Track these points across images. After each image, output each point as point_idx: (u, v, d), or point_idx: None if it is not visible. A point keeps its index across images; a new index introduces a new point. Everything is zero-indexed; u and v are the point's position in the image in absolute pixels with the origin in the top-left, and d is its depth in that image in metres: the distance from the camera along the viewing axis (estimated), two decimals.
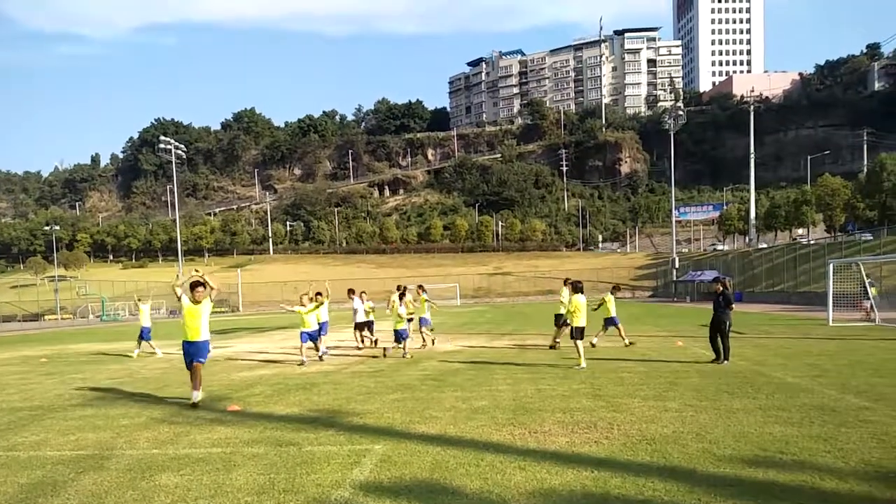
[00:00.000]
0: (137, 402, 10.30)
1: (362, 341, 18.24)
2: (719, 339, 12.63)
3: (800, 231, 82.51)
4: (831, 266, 24.17)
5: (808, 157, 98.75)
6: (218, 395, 10.48)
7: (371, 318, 18.73)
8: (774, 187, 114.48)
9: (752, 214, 77.26)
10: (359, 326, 18.21)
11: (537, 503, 4.82)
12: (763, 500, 4.72)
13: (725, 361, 12.39)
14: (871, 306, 24.24)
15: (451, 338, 22.26)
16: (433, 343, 18.43)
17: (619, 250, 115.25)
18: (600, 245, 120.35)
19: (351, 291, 19.00)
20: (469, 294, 78.14)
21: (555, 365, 13.20)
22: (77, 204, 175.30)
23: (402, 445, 6.68)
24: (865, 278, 25.62)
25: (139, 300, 20.36)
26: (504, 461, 5.94)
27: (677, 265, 65.43)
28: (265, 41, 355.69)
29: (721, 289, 12.99)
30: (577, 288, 13.23)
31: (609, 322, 17.01)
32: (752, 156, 74.87)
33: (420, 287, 18.16)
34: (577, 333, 12.90)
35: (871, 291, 25.07)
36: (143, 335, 18.75)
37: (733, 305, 13.01)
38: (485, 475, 5.53)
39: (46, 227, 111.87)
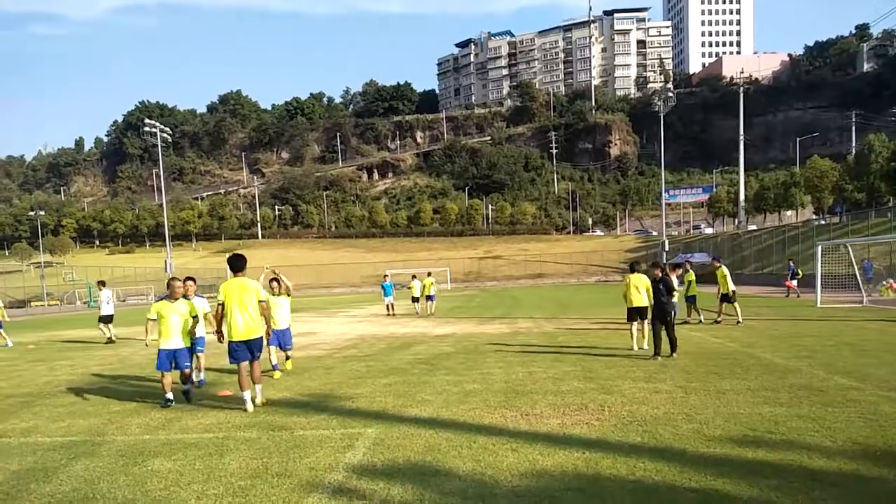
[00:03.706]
0: (128, 387, 10.27)
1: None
2: (664, 331, 11.15)
3: (788, 213, 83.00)
4: (819, 248, 24.38)
5: (797, 139, 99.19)
6: (210, 380, 10.45)
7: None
8: (763, 169, 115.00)
9: (742, 196, 77.53)
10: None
11: (529, 484, 4.85)
12: (752, 479, 4.77)
13: (673, 354, 11.11)
14: (795, 285, 29.37)
15: (442, 322, 22.34)
16: None
17: (611, 232, 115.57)
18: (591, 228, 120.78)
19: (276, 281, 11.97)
20: (459, 278, 78.24)
21: (546, 347, 13.26)
22: (62, 189, 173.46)
23: (395, 428, 6.70)
24: (790, 262, 31.32)
25: None
26: (496, 443, 5.98)
27: (667, 248, 65.69)
28: (251, 22, 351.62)
29: (660, 274, 11.58)
30: (633, 268, 12.18)
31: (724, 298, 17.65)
32: (742, 137, 74.95)
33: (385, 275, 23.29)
34: (638, 314, 11.89)
35: (798, 272, 30.12)
36: None
37: (675, 292, 11.69)
38: (477, 457, 5.57)
39: (31, 213, 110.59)
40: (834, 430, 6.03)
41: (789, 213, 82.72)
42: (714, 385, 8.48)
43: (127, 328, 24.45)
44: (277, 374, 10.54)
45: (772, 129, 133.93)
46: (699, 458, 5.35)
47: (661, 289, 11.24)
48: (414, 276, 27.39)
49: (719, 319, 17.37)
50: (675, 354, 11.07)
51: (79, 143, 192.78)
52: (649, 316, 11.63)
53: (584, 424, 6.60)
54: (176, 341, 8.56)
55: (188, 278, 10.06)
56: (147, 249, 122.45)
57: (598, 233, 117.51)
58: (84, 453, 6.22)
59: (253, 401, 8.01)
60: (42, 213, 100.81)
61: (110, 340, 18.84)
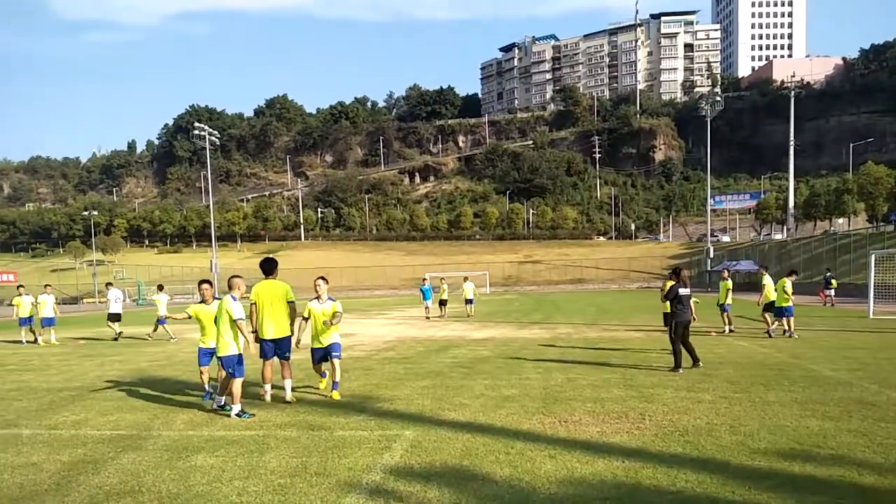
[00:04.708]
0: (174, 384, 10.53)
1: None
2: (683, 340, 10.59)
3: (839, 221, 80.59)
4: (873, 257, 23.55)
5: (851, 145, 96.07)
6: (251, 379, 10.63)
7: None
8: (814, 175, 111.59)
9: (791, 203, 75.56)
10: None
11: (567, 491, 4.80)
12: (799, 494, 4.64)
13: (693, 366, 10.56)
14: (832, 295, 30.97)
15: (481, 326, 22.31)
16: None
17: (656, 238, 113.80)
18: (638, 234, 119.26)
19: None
20: (499, 282, 78.00)
21: (585, 354, 13.11)
22: (114, 190, 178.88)
23: (432, 432, 6.71)
24: (827, 271, 33.07)
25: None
26: (534, 449, 5.94)
27: (712, 255, 64.36)
28: (298, 28, 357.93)
29: (676, 280, 10.83)
30: (671, 276, 12.02)
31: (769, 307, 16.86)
32: (792, 143, 73.01)
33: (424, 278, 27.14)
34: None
35: (833, 283, 31.44)
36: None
37: (668, 300, 10.70)
38: (514, 463, 5.54)
39: (85, 213, 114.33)
40: (886, 447, 5.81)
41: (841, 220, 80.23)
42: (759, 396, 8.27)
43: (171, 327, 25.09)
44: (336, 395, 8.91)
45: (823, 134, 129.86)
46: (743, 470, 5.22)
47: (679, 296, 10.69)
48: (442, 279, 28.12)
49: (773, 328, 16.77)
50: (700, 364, 10.57)
51: (131, 146, 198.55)
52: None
53: (623, 433, 6.51)
54: (213, 342, 8.25)
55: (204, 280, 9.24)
56: (194, 249, 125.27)
57: (601, 238, 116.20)
58: (131, 447, 6.40)
59: (283, 398, 8.55)
60: (95, 213, 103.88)
61: (117, 337, 19.91)
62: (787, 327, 15.92)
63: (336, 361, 8.89)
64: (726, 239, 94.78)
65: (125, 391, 9.88)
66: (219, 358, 7.90)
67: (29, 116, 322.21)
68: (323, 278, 9.02)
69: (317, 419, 7.47)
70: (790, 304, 15.85)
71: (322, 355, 8.93)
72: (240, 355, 7.86)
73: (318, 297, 8.86)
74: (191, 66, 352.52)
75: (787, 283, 16.02)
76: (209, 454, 6.06)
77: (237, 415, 7.67)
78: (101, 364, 13.68)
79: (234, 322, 7.71)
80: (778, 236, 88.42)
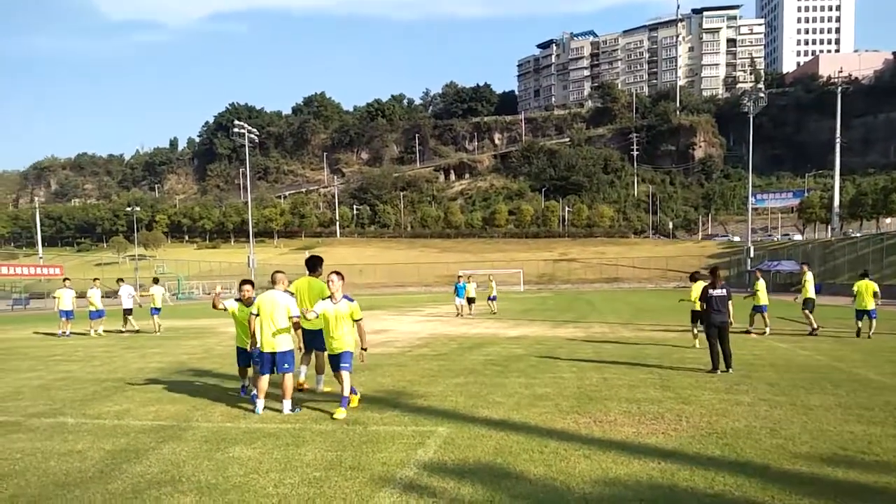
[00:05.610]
0: (213, 377, 10.74)
1: None
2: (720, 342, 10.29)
3: (888, 220, 78.14)
4: None
5: None
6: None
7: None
8: (862, 174, 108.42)
9: (836, 202, 73.35)
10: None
11: (602, 492, 4.75)
12: (843, 501, 4.51)
13: (729, 370, 10.17)
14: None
15: (514, 324, 22.24)
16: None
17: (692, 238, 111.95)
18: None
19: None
20: (533, 280, 77.63)
21: (621, 353, 12.96)
22: (156, 186, 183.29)
23: (466, 429, 6.71)
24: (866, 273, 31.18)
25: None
26: (568, 448, 5.89)
27: (752, 254, 62.96)
28: (335, 27, 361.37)
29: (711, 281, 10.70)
30: (694, 278, 12.53)
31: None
32: (838, 140, 70.88)
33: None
34: (698, 318, 12.12)
35: None
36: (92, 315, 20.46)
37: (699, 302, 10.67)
38: (549, 462, 5.51)
39: (128, 209, 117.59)
40: None
41: (889, 220, 77.76)
42: (801, 399, 8.06)
43: (209, 320, 25.65)
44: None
45: (872, 130, 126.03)
46: (783, 475, 5.10)
47: (715, 298, 10.37)
48: (470, 277, 29.31)
49: (816, 327, 16.42)
50: (731, 370, 10.17)
51: (173, 143, 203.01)
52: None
53: (660, 434, 6.42)
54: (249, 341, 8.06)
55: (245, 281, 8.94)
56: (232, 245, 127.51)
57: (639, 237, 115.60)
58: (171, 437, 6.55)
59: (317, 390, 9.18)
60: (138, 208, 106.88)
61: (136, 332, 20.61)
62: (869, 328, 15.61)
63: (345, 374, 7.56)
64: (736, 239, 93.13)
65: (166, 383, 10.12)
66: (272, 354, 7.62)
67: (76, 114, 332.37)
68: (337, 273, 7.76)
69: (351, 414, 7.52)
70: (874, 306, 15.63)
71: (335, 364, 7.74)
72: (293, 350, 7.89)
73: (331, 296, 7.68)
74: (231, 65, 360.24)
75: (871, 284, 15.78)
76: (246, 446, 6.16)
77: (291, 410, 7.63)
78: (143, 356, 14.03)
79: (290, 318, 7.74)
80: (797, 237, 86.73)
